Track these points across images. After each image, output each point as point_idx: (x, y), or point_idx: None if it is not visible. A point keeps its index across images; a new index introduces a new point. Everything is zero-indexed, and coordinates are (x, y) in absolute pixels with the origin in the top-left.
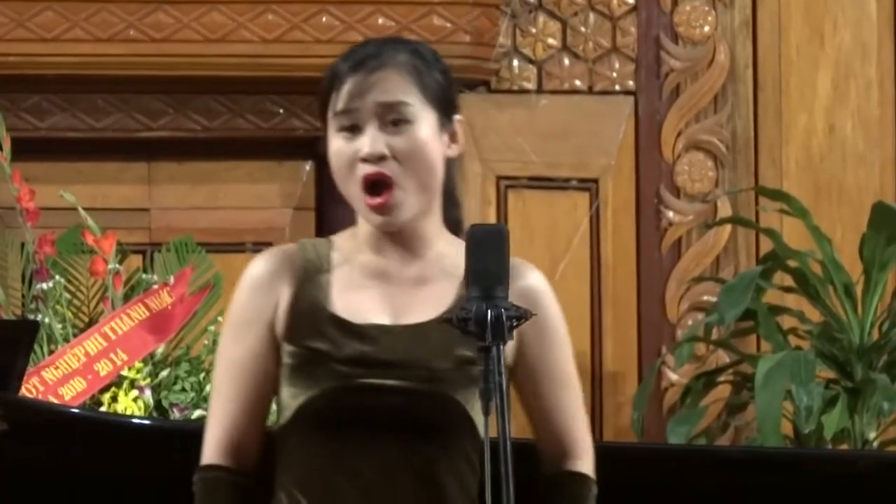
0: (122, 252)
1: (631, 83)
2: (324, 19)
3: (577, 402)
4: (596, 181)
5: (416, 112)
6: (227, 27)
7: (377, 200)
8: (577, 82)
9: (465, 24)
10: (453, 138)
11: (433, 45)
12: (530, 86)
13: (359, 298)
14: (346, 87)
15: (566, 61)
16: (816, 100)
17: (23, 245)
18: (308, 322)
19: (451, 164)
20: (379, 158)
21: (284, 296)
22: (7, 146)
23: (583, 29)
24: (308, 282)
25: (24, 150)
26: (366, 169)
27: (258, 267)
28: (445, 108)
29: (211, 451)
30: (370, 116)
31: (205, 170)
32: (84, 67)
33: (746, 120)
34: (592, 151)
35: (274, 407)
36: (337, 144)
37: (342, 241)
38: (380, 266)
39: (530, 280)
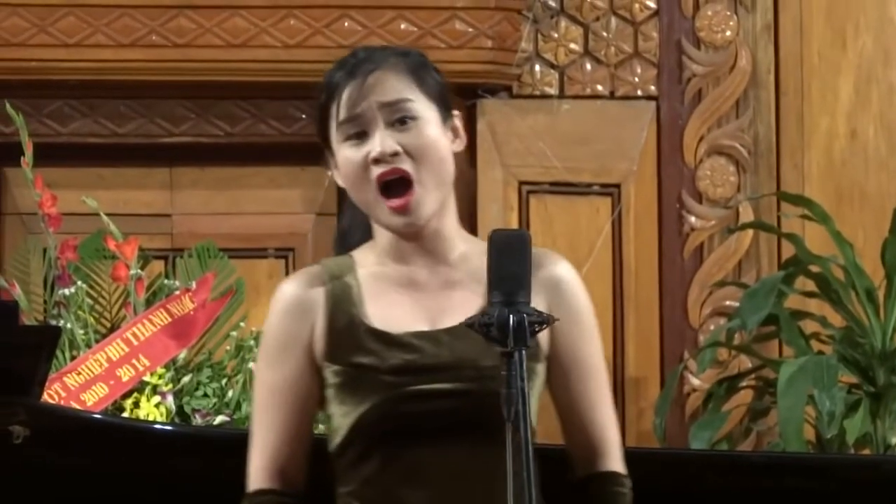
0: (144, 257)
1: (653, 88)
2: (346, 24)
3: (604, 396)
4: (618, 186)
5: (419, 108)
6: (248, 32)
7: (397, 201)
8: (599, 87)
9: (487, 28)
10: (455, 133)
11: (455, 49)
12: (552, 91)
13: (392, 309)
14: (346, 95)
15: (588, 66)
16: (838, 104)
17: (45, 250)
18: (348, 339)
19: (456, 159)
20: (392, 156)
21: (319, 317)
22: (29, 151)
23: (604, 34)
24: (339, 300)
25: (46, 155)
26: (380, 169)
27: (288, 290)
28: (445, 104)
29: (257, 477)
30: (375, 118)
31: (227, 175)
32: (106, 73)
33: (768, 125)
34: (614, 156)
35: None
36: (345, 153)
37: (363, 256)
38: (407, 274)
39: (558, 269)
